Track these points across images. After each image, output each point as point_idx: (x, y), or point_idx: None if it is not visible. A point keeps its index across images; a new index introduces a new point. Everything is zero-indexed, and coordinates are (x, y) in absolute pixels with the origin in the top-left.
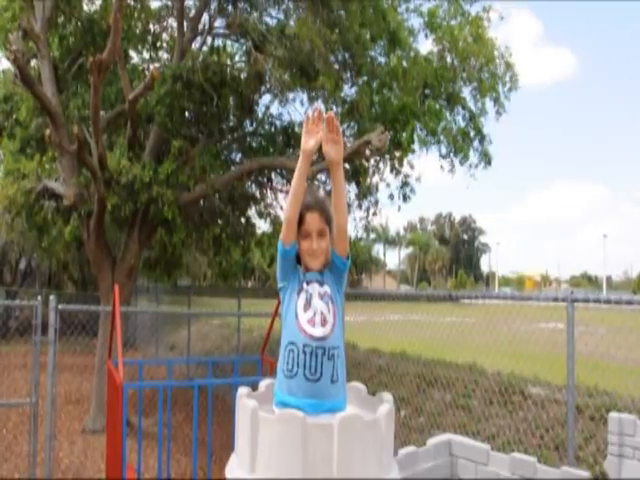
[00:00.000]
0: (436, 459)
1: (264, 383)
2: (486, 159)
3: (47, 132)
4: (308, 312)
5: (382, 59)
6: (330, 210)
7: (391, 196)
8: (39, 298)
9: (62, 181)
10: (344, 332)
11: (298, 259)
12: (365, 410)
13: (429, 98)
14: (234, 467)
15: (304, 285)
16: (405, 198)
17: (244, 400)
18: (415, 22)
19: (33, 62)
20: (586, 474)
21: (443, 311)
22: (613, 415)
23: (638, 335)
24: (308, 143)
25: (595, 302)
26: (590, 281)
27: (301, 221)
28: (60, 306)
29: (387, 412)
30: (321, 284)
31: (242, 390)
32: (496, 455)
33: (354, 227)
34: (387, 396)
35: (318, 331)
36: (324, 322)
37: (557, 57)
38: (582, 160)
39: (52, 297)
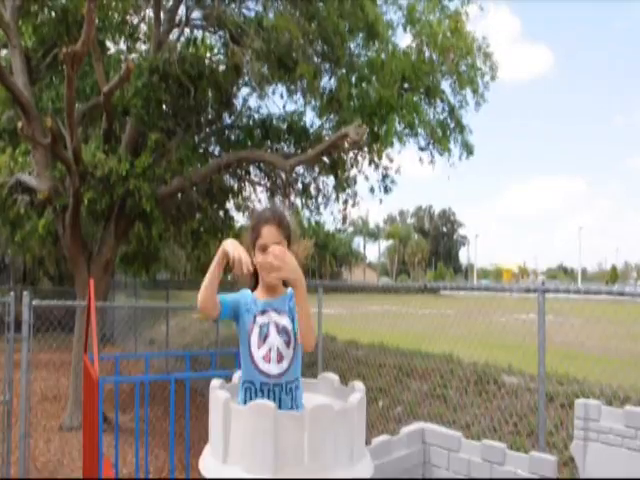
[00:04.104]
0: (409, 447)
1: (237, 375)
2: (467, 149)
3: (19, 124)
4: (262, 348)
5: (361, 51)
6: (289, 224)
7: (372, 189)
8: (12, 294)
9: (36, 175)
10: (302, 356)
11: (256, 277)
12: (337, 400)
13: (407, 92)
14: (207, 457)
15: (257, 318)
16: (386, 190)
17: (216, 392)
18: (394, 16)
19: (4, 52)
20: (552, 458)
21: (422, 303)
22: (579, 401)
23: (605, 325)
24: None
25: (565, 292)
26: (566, 273)
27: (257, 234)
28: (34, 302)
29: (358, 401)
30: (279, 312)
31: (215, 382)
32: (467, 442)
33: (332, 220)
34: (359, 385)
35: (274, 368)
36: (280, 358)
37: (535, 54)
38: (559, 154)
39: (25, 293)
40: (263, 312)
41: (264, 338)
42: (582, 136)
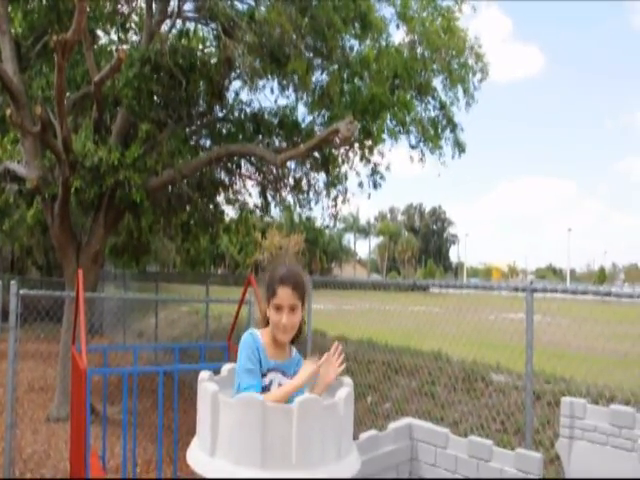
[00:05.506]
0: (397, 443)
1: (226, 367)
2: (459, 148)
3: (8, 112)
4: None
5: (354, 43)
6: (304, 284)
7: (361, 184)
8: None
9: (25, 163)
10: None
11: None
12: (325, 394)
13: (399, 89)
14: (195, 450)
15: (265, 375)
16: (375, 185)
17: (205, 384)
18: (387, 12)
19: None
20: (538, 455)
21: (412, 301)
22: (565, 399)
23: (592, 325)
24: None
25: (553, 292)
26: (555, 273)
27: (273, 292)
28: (22, 291)
29: (346, 396)
30: (285, 374)
31: (203, 374)
32: (455, 438)
33: (321, 215)
34: (347, 380)
35: None
36: None
37: (526, 54)
38: (549, 155)
39: (13, 282)
40: (271, 370)
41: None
42: (571, 137)
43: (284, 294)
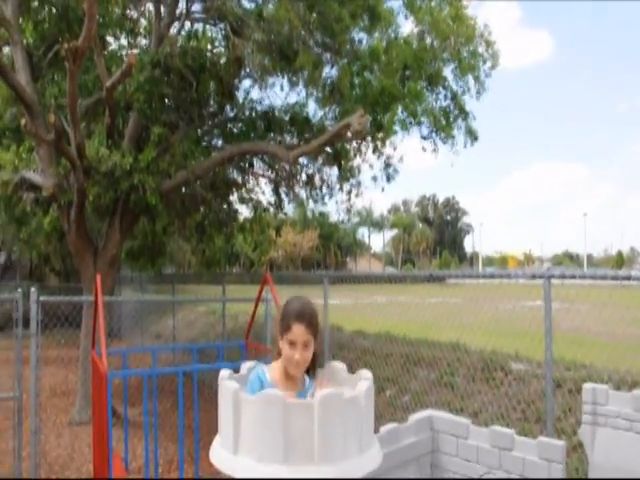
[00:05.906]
0: (418, 435)
1: (246, 365)
2: (471, 136)
3: (23, 121)
4: None
5: (364, 36)
6: (318, 319)
7: (374, 177)
8: (20, 290)
9: (40, 172)
10: None
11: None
12: (345, 388)
13: (409, 80)
14: (218, 448)
15: None
16: (389, 178)
17: (225, 382)
18: (394, 3)
19: (6, 49)
20: (560, 443)
21: (429, 292)
22: (587, 386)
23: (611, 310)
24: None
25: (571, 278)
26: (572, 259)
27: (288, 328)
28: (42, 298)
29: (366, 389)
30: None
31: (223, 373)
32: (476, 429)
33: (336, 210)
34: (366, 374)
35: None
36: None
37: (535, 40)
38: (561, 141)
39: (33, 289)
40: None
41: None
42: (584, 123)
43: (298, 331)
